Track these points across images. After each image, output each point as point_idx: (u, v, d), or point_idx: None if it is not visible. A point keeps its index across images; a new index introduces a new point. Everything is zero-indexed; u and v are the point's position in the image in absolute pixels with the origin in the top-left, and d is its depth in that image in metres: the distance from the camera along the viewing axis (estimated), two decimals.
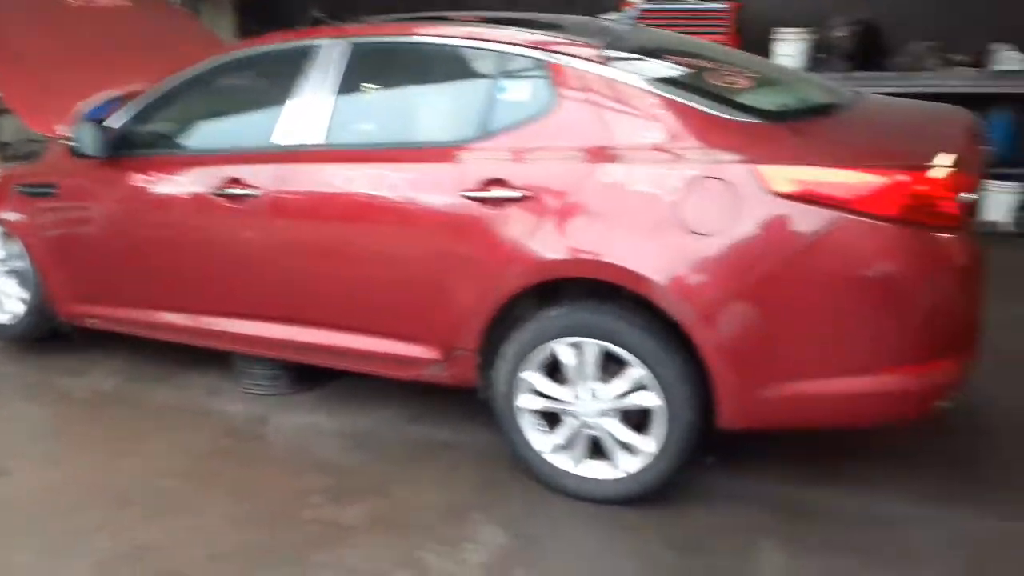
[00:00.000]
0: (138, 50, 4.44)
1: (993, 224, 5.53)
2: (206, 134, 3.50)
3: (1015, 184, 5.63)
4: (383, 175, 2.84)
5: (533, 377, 2.67)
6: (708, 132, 2.44)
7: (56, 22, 4.42)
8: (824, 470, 2.84)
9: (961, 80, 5.54)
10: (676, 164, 2.42)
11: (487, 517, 2.65)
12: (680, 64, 2.80)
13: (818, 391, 2.38)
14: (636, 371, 2.51)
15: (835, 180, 2.26)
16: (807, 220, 2.27)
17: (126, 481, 2.90)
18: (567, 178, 2.55)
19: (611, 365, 2.56)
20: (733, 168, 2.35)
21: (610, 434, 2.62)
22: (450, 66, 2.96)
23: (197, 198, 3.18)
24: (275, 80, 3.20)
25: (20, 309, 3.85)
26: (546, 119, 2.63)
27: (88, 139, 3.33)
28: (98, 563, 2.47)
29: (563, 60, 2.64)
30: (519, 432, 2.75)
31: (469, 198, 2.65)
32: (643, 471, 2.59)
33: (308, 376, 3.51)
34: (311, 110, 3.01)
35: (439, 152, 2.78)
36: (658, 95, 2.51)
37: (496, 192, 2.62)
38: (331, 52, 3.02)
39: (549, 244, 2.55)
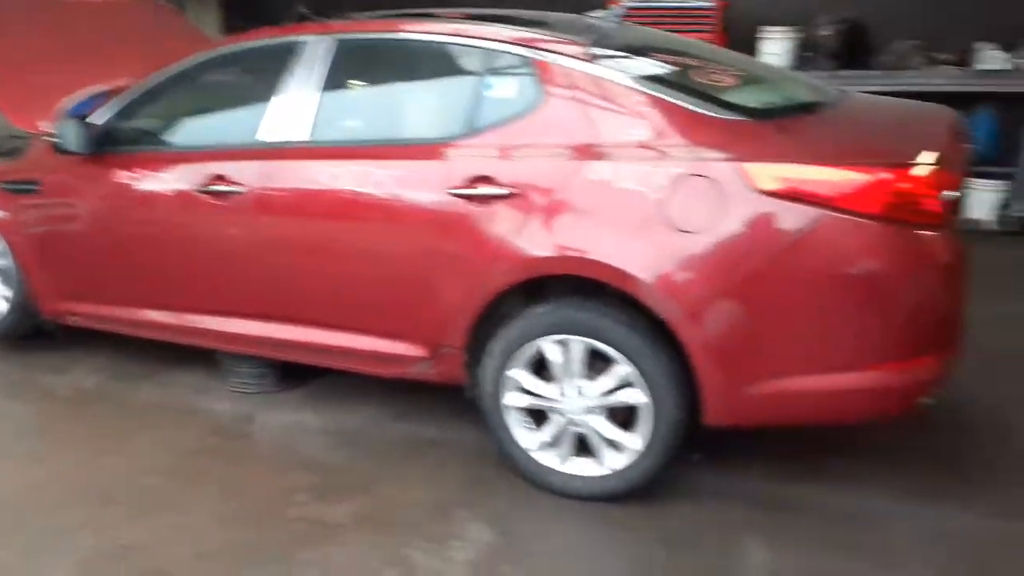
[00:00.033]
0: (122, 46, 4.40)
1: (976, 222, 5.58)
2: (191, 130, 3.48)
3: (998, 183, 5.67)
4: (369, 172, 2.83)
5: (520, 375, 2.67)
6: (694, 130, 2.45)
7: (39, 17, 4.38)
8: (808, 466, 2.85)
9: (945, 79, 5.58)
10: (662, 162, 2.42)
11: (474, 515, 2.65)
12: (666, 62, 2.80)
13: (803, 388, 2.39)
14: (622, 368, 2.52)
15: (819, 178, 2.27)
16: (792, 218, 2.28)
17: (110, 479, 2.88)
18: (553, 175, 2.55)
19: (597, 362, 2.57)
20: (718, 166, 2.36)
21: (596, 431, 2.62)
22: (436, 63, 2.95)
23: (181, 195, 3.16)
24: (260, 76, 3.18)
25: (3, 307, 3.83)
26: (532, 116, 2.63)
27: (71, 135, 3.30)
28: (82, 561, 2.46)
29: (549, 57, 2.64)
30: (506, 429, 2.75)
31: (455, 195, 2.65)
32: (629, 468, 2.60)
33: (294, 374, 3.50)
34: (296, 107, 2.99)
35: (425, 149, 2.77)
36: (644, 93, 2.52)
37: (482, 189, 2.62)
38: (316, 49, 3.01)
39: (535, 241, 2.55)
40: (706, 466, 2.81)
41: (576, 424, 2.64)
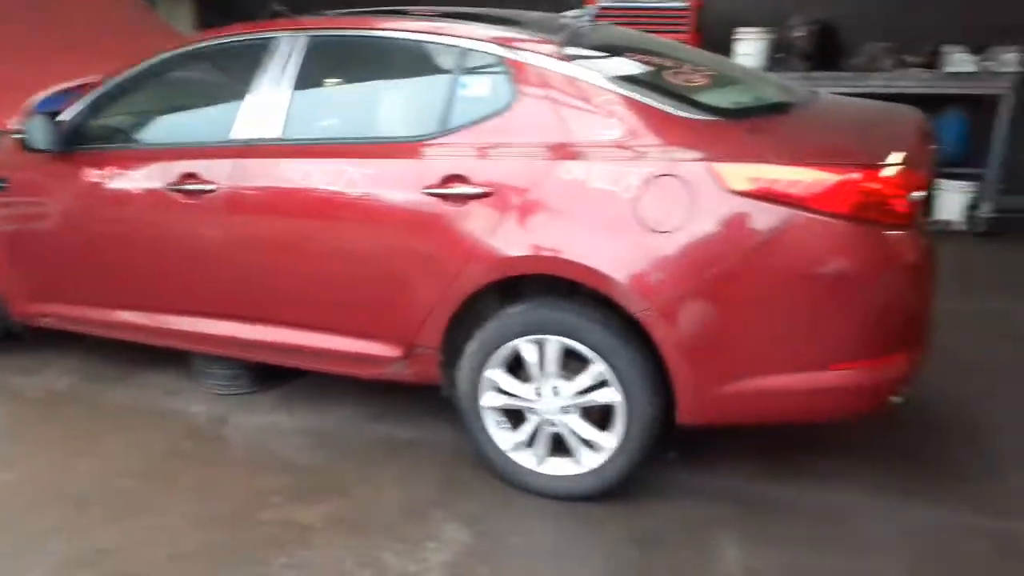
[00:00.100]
0: (93, 41, 4.35)
1: (946, 223, 5.66)
2: (161, 128, 3.44)
3: (967, 183, 5.76)
4: (342, 170, 2.81)
5: (496, 374, 2.68)
6: (666, 130, 2.46)
7: (6, 13, 4.31)
8: (781, 464, 2.88)
9: (914, 81, 5.65)
10: (635, 162, 2.43)
11: (449, 515, 2.65)
12: (640, 62, 2.81)
13: (775, 387, 2.41)
14: (597, 368, 2.53)
15: (790, 178, 2.29)
16: (763, 217, 2.30)
17: (83, 482, 2.85)
18: (527, 175, 2.55)
19: (573, 362, 2.58)
20: (691, 166, 2.37)
21: (572, 431, 2.64)
22: (410, 61, 2.94)
23: (152, 193, 3.13)
24: (232, 73, 3.16)
25: None
26: (506, 115, 2.63)
27: (40, 132, 3.25)
28: (55, 565, 2.43)
29: (523, 56, 2.64)
30: (482, 429, 2.75)
31: (429, 194, 2.65)
32: (604, 467, 2.61)
33: (269, 375, 3.47)
34: (268, 104, 2.97)
35: (399, 147, 2.76)
36: (617, 93, 2.53)
37: (457, 188, 2.61)
38: (289, 46, 2.99)
39: (510, 241, 2.56)
40: (680, 465, 2.83)
41: (552, 423, 2.65)
